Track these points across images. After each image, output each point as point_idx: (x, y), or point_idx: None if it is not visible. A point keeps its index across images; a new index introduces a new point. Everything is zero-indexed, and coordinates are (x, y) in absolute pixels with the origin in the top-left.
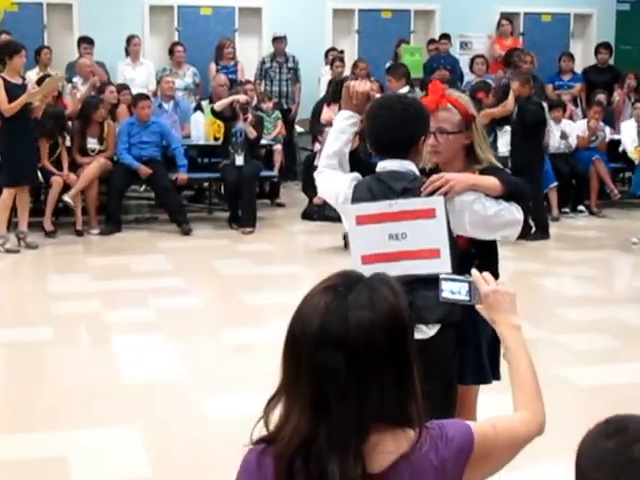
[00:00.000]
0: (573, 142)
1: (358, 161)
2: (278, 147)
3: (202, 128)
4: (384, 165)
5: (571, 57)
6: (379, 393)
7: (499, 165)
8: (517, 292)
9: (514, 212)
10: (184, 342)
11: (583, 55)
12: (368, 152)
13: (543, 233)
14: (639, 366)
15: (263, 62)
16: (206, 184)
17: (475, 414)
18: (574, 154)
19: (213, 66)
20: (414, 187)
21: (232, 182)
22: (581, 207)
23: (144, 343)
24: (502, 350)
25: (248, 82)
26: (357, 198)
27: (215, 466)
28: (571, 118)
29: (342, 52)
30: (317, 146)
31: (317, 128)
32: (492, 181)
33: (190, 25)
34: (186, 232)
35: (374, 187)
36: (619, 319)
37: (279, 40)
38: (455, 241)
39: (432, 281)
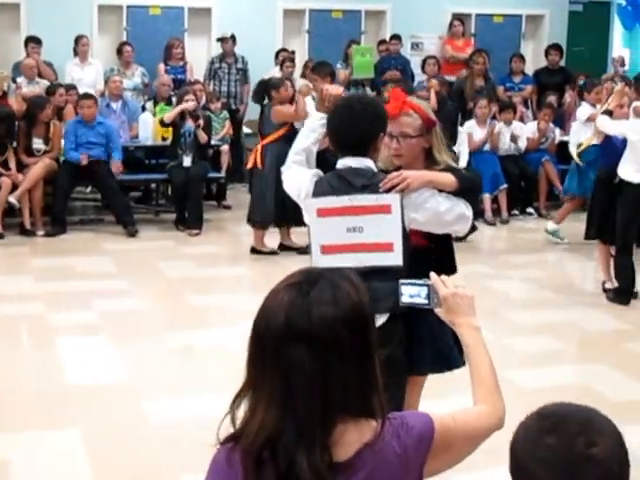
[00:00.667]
0: (523, 144)
1: (326, 161)
2: (225, 148)
3: (150, 128)
4: (344, 162)
5: (522, 58)
6: (343, 386)
7: (456, 166)
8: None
9: (464, 208)
10: (128, 344)
11: (535, 56)
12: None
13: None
14: (584, 368)
15: (212, 62)
16: (153, 185)
17: (418, 404)
18: (524, 156)
19: (162, 66)
20: (373, 183)
21: (179, 183)
22: (530, 209)
23: (88, 345)
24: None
25: (197, 82)
26: (318, 193)
27: (157, 469)
28: (522, 120)
29: (293, 53)
30: None
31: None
32: (448, 177)
33: (139, 25)
34: (132, 234)
35: (334, 183)
36: (566, 322)
37: (226, 41)
38: (408, 236)
39: (385, 272)
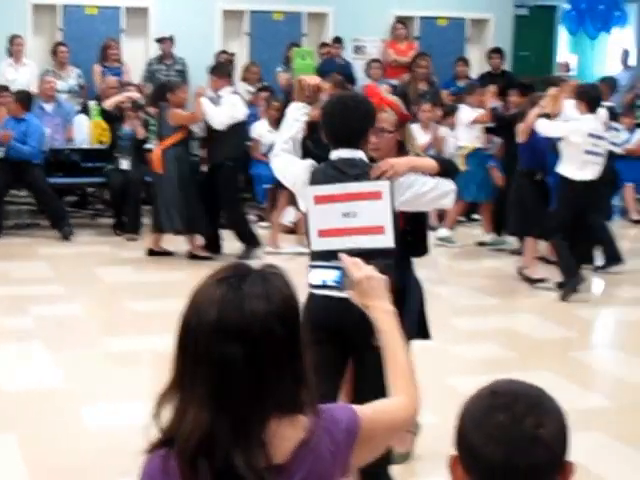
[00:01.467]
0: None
1: (305, 148)
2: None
3: (86, 131)
4: (338, 154)
5: (466, 62)
6: (276, 381)
7: (425, 156)
8: None
9: (448, 184)
10: (65, 350)
11: (480, 60)
12: (315, 141)
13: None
14: (529, 375)
15: (150, 64)
16: (90, 189)
17: None
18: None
19: (97, 67)
20: (365, 172)
21: (117, 187)
22: (476, 215)
23: (24, 351)
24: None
25: (130, 84)
26: (314, 181)
27: (95, 474)
28: None
29: (233, 55)
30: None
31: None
32: (429, 161)
33: (74, 25)
34: (66, 236)
35: (330, 172)
36: (512, 329)
37: (164, 41)
38: (399, 220)
39: (377, 253)
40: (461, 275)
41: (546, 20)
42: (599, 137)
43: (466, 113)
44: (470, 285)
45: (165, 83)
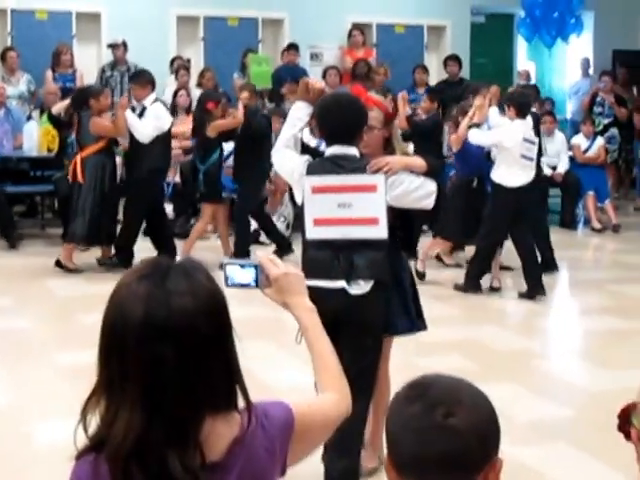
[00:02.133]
0: None
1: (304, 147)
2: (117, 160)
3: (35, 139)
4: (333, 150)
5: (425, 69)
6: (209, 379)
7: (410, 153)
8: None
9: (431, 185)
10: (15, 365)
11: (439, 68)
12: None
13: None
14: (492, 387)
15: (103, 70)
16: (38, 198)
17: (388, 364)
18: None
19: (49, 73)
20: (360, 166)
21: (66, 196)
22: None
23: None
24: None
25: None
26: (311, 173)
27: None
28: None
29: (188, 61)
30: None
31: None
32: (419, 161)
33: (24, 30)
34: (14, 245)
35: (326, 166)
36: (475, 340)
37: (117, 47)
38: (390, 213)
39: (370, 244)
40: (422, 285)
41: (503, 28)
42: (532, 142)
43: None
44: (431, 295)
45: (87, 88)
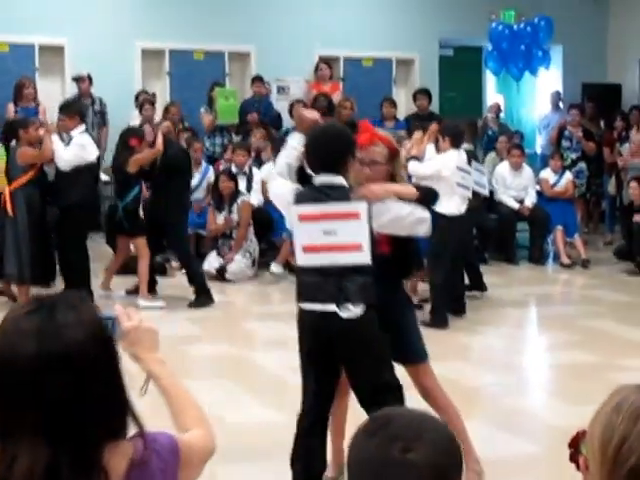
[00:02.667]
0: None
1: (304, 175)
2: None
3: None
4: (320, 179)
5: (393, 103)
6: (105, 406)
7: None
8: None
9: (422, 212)
10: None
11: (407, 101)
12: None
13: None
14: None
15: None
16: None
17: (441, 390)
18: None
19: (11, 107)
20: (344, 195)
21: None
22: None
23: None
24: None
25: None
26: (298, 202)
27: None
28: None
29: (153, 95)
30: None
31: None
32: (409, 188)
33: None
34: None
35: (313, 194)
36: (442, 376)
37: (82, 80)
38: (375, 239)
39: (358, 269)
40: None
41: (472, 60)
42: (466, 171)
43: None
44: None
45: (15, 120)
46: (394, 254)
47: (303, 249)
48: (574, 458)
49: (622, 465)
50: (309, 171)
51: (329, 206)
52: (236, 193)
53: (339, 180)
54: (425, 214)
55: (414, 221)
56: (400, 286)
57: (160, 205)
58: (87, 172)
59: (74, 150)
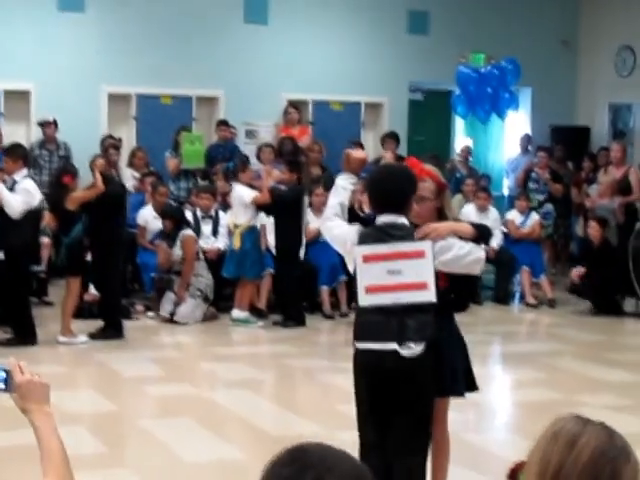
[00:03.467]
0: None
1: (353, 214)
2: (46, 240)
3: None
4: (383, 219)
5: (361, 146)
6: None
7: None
8: (301, 387)
9: (479, 251)
10: None
11: (375, 144)
12: (360, 208)
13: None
14: None
15: (32, 149)
16: None
17: (446, 425)
18: None
19: None
20: (408, 234)
21: None
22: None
23: None
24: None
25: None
26: (362, 242)
27: None
28: (361, 209)
29: (119, 140)
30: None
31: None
32: (467, 226)
33: None
34: None
35: (377, 234)
36: None
37: (47, 125)
38: (438, 276)
39: (420, 307)
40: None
41: (441, 104)
42: None
43: (243, 192)
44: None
45: None
46: (452, 289)
47: (366, 289)
48: None
49: None
50: (361, 212)
51: (394, 246)
52: (178, 228)
53: (402, 220)
54: (482, 253)
55: (472, 261)
56: (454, 320)
57: (96, 235)
58: (30, 216)
59: (22, 197)
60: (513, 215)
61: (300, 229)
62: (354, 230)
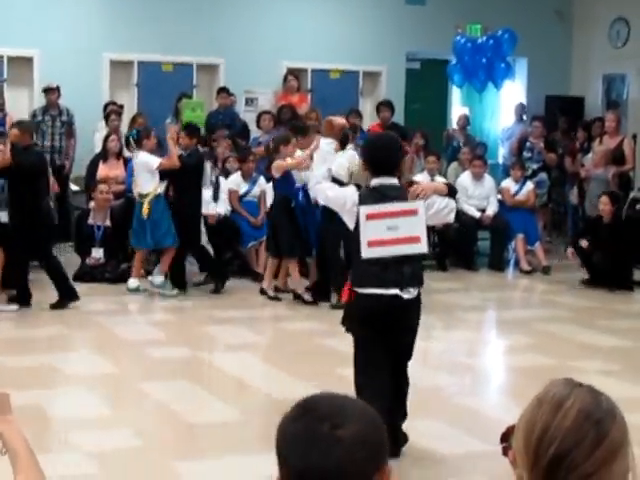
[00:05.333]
0: None
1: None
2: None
3: None
4: (379, 181)
5: (358, 114)
6: None
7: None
8: (302, 352)
9: (453, 203)
10: None
11: (372, 113)
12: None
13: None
14: (415, 424)
15: (34, 115)
16: None
17: None
18: None
19: None
20: (401, 194)
21: None
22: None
23: None
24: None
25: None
26: (363, 202)
27: None
28: None
29: (121, 107)
30: (92, 204)
31: (92, 185)
32: (442, 186)
33: None
34: None
35: (375, 195)
36: None
37: (51, 92)
38: (429, 230)
39: (412, 258)
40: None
41: (438, 73)
42: None
43: (148, 158)
44: None
45: None
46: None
47: (369, 244)
48: (505, 452)
49: (543, 455)
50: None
51: (392, 205)
52: None
53: (394, 181)
54: (454, 204)
55: (447, 212)
56: None
57: (16, 206)
58: None
59: None
60: (508, 183)
61: (200, 196)
62: (353, 191)
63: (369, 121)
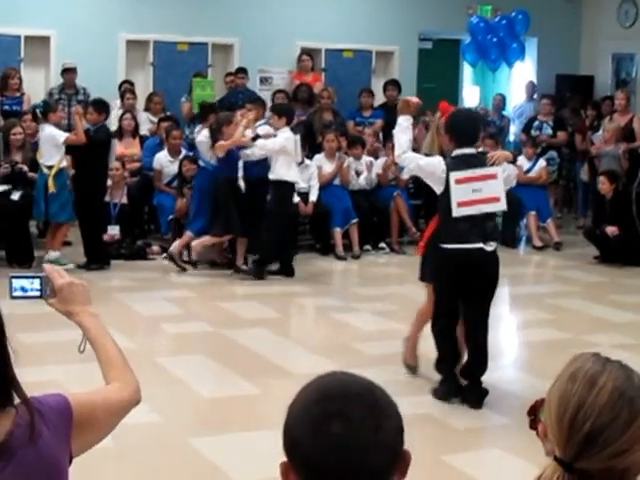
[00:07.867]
0: (373, 179)
1: None
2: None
3: None
4: (462, 151)
5: (371, 93)
6: None
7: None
8: (317, 327)
9: (515, 170)
10: None
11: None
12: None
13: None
14: (425, 398)
15: (51, 94)
16: None
17: None
18: (375, 191)
19: None
20: (482, 161)
21: (7, 218)
22: (382, 244)
23: None
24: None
25: (27, 113)
26: (451, 169)
27: None
28: (376, 154)
29: (132, 84)
30: (109, 182)
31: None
32: (509, 154)
33: None
34: None
35: (461, 163)
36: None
37: (69, 71)
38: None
39: (492, 216)
40: (367, 301)
41: (450, 53)
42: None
43: (54, 132)
44: (375, 311)
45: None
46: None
47: (458, 204)
48: (533, 425)
49: (578, 432)
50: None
51: (476, 171)
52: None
53: (473, 150)
54: (516, 171)
55: (515, 176)
56: None
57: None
58: None
59: None
60: (520, 161)
61: (106, 172)
62: (440, 160)
63: (381, 99)
